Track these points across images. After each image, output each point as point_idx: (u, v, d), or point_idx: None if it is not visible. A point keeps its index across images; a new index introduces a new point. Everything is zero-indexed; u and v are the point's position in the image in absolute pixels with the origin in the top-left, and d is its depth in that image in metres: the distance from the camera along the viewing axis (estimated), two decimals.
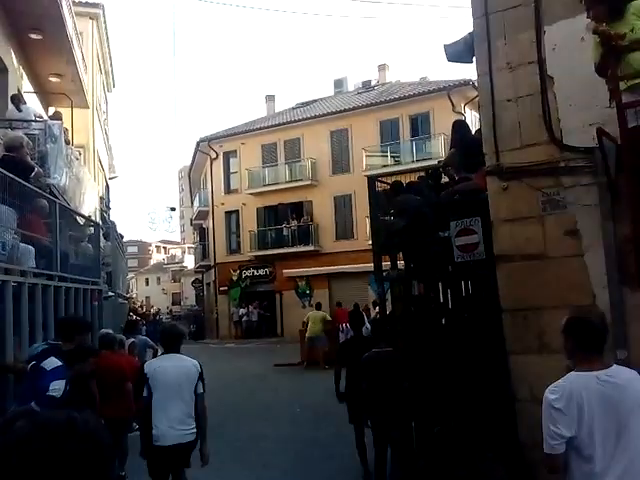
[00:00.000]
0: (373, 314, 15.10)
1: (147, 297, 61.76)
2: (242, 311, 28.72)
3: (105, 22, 19.67)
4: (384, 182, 7.05)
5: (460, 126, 7.14)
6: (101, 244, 10.74)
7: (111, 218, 20.51)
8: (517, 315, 4.72)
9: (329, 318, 16.87)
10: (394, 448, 5.33)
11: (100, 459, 0.98)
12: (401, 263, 7.02)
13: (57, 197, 9.40)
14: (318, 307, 17.76)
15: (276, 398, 11.50)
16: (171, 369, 4.63)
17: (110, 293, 11.03)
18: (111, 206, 23.80)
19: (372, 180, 6.51)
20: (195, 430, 4.66)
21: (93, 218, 13.24)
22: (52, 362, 4.67)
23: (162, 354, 5.08)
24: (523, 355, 4.65)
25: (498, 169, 4.91)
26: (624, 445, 2.48)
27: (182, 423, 4.57)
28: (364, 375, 5.35)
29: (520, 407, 4.57)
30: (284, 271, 27.67)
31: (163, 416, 4.51)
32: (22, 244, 6.16)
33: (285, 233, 28.47)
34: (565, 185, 4.59)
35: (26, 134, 9.96)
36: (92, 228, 10.03)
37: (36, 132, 10.72)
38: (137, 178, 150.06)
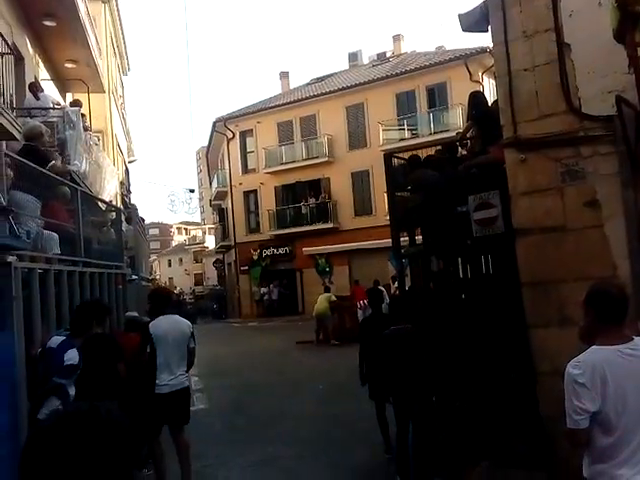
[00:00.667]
0: (393, 290, 15.19)
1: (170, 278, 62.63)
2: (263, 290, 29.00)
3: (117, 4, 19.63)
4: (401, 158, 6.99)
5: (476, 98, 7.02)
6: (123, 228, 10.89)
7: (132, 202, 20.75)
8: (537, 288, 4.70)
9: (334, 298, 17.38)
10: (416, 422, 5.39)
11: (123, 446, 1.05)
12: (419, 239, 7.01)
13: (78, 183, 9.54)
14: (327, 290, 18.20)
15: (298, 375, 11.66)
16: (171, 330, 5.56)
17: (134, 276, 11.20)
18: (131, 190, 24.05)
19: (389, 156, 6.47)
20: (187, 375, 5.80)
21: (114, 203, 13.42)
22: (55, 340, 4.92)
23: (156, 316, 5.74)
24: (544, 328, 4.64)
25: (516, 141, 4.84)
26: None
27: (179, 372, 5.55)
28: (385, 352, 5.40)
29: (541, 380, 4.57)
30: (304, 249, 27.78)
31: (165, 369, 5.46)
32: (46, 231, 6.29)
33: (304, 211, 28.52)
34: (584, 155, 4.51)
35: (45, 122, 10.07)
36: (114, 213, 10.17)
37: (55, 119, 10.82)
38: (156, 161, 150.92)
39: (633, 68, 3.62)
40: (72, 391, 5.00)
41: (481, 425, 5.85)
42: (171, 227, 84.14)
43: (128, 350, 5.68)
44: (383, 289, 16.33)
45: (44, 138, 7.33)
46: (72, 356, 4.92)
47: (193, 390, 11.07)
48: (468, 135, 7.03)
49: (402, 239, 6.68)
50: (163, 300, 5.95)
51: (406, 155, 7.50)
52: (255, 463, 6.41)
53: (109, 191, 13.56)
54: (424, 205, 6.28)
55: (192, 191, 44.91)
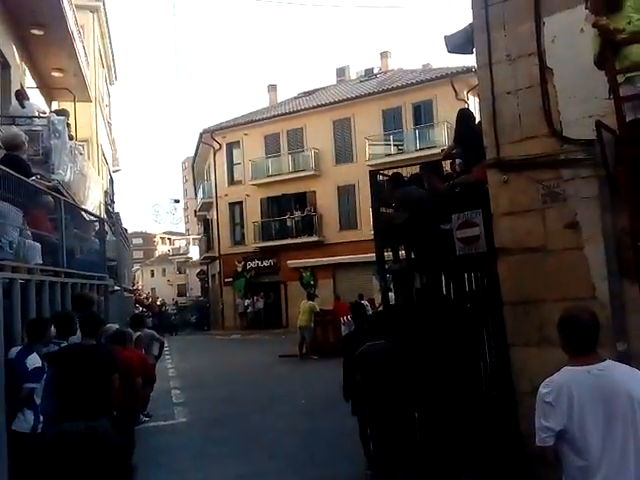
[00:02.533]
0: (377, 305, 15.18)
1: (153, 288, 62.02)
2: (247, 302, 28.88)
3: (106, 15, 19.63)
4: (386, 175, 7.06)
5: (464, 116, 7.07)
6: (106, 239, 10.81)
7: (116, 211, 20.61)
8: (518, 308, 4.76)
9: (317, 309, 16.99)
10: (392, 439, 5.39)
11: (118, 464, 1.08)
12: (403, 254, 7.06)
13: (62, 193, 9.47)
14: (310, 297, 17.81)
15: (282, 389, 11.61)
16: None
17: (116, 287, 11.11)
18: (115, 199, 23.90)
19: (374, 174, 6.53)
20: None
21: (98, 212, 13.32)
22: (12, 351, 4.91)
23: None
24: (524, 347, 4.70)
25: (498, 162, 4.93)
26: (615, 436, 2.53)
27: None
28: (358, 369, 5.43)
29: (520, 399, 4.62)
30: (288, 262, 27.76)
31: None
32: (28, 241, 6.23)
33: (289, 224, 28.53)
34: (565, 178, 4.60)
35: (29, 130, 10.00)
36: (97, 223, 10.10)
37: (40, 128, 10.75)
38: (141, 170, 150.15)
39: (613, 94, 3.71)
40: (38, 397, 4.94)
41: (462, 441, 5.87)
42: (155, 237, 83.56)
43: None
44: (367, 303, 16.37)
45: (25, 147, 7.28)
46: (34, 360, 4.91)
47: (174, 403, 11.00)
48: (452, 153, 7.12)
49: (386, 255, 6.73)
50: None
51: (392, 172, 7.58)
52: (236, 477, 6.36)
53: (93, 200, 13.47)
54: (408, 222, 6.34)
55: (177, 201, 44.70)
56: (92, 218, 10.28)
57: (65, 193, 10.37)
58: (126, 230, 18.40)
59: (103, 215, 13.74)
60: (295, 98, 33.38)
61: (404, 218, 6.35)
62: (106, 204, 18.67)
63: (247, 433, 8.19)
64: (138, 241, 76.06)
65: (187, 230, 79.34)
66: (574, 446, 2.56)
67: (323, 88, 33.11)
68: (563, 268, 4.56)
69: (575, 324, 2.67)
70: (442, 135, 24.00)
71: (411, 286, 6.28)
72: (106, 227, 11.03)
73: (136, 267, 59.97)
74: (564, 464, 2.63)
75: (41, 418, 4.90)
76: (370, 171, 6.58)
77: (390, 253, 6.97)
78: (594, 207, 4.41)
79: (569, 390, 2.56)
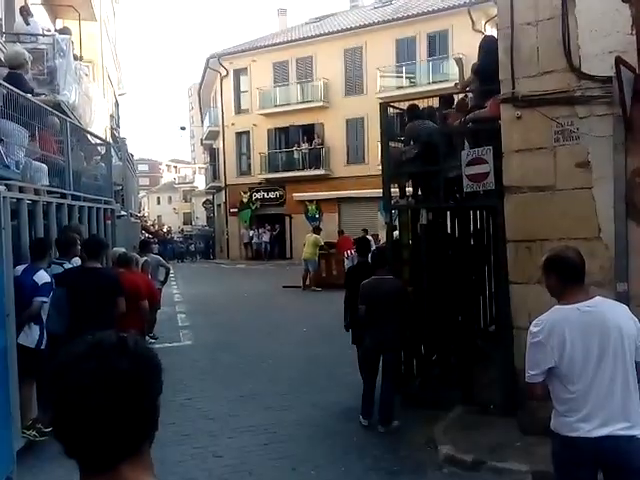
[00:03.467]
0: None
1: (159, 216, 62.36)
2: (252, 232, 29.03)
3: None
4: (397, 107, 6.91)
5: (489, 44, 6.62)
6: (112, 163, 10.76)
7: (122, 136, 20.41)
8: (521, 246, 4.78)
9: (321, 242, 17.02)
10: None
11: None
12: (410, 190, 7.03)
13: (67, 114, 9.35)
14: (316, 230, 17.75)
15: (284, 318, 11.88)
16: None
17: (122, 212, 11.17)
18: (121, 124, 23.61)
19: (384, 106, 6.39)
20: None
21: (104, 136, 13.20)
22: (17, 269, 5.06)
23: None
24: (524, 285, 4.75)
25: (513, 97, 4.81)
26: (604, 370, 2.60)
27: None
28: (363, 299, 5.50)
29: (517, 334, 4.72)
30: (294, 194, 27.69)
31: None
32: (35, 162, 6.22)
33: (296, 156, 28.22)
34: (580, 115, 4.50)
35: (34, 49, 9.74)
36: (103, 147, 10.02)
37: (44, 47, 10.47)
38: (148, 96, 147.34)
39: (635, 29, 3.57)
40: (44, 313, 5.11)
41: (460, 373, 6.08)
42: (160, 164, 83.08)
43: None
44: (371, 238, 16.43)
45: (28, 66, 7.11)
46: (43, 275, 5.07)
47: (180, 327, 11.32)
48: (469, 88, 6.92)
49: (393, 190, 6.71)
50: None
51: (402, 104, 7.42)
52: (237, 398, 6.63)
53: (99, 124, 13.31)
54: (417, 158, 6.27)
55: (183, 129, 44.04)
56: (98, 141, 10.19)
57: (71, 115, 10.25)
58: (132, 155, 18.27)
59: (109, 139, 13.62)
60: (306, 24, 32.16)
61: (413, 154, 6.27)
62: (112, 128, 18.47)
63: (249, 357, 8.45)
64: (144, 168, 75.71)
65: (193, 159, 78.75)
66: (564, 381, 2.65)
67: (335, 14, 31.84)
68: (570, 208, 4.55)
69: (563, 262, 2.70)
70: (456, 68, 23.21)
71: (416, 222, 6.28)
72: (112, 151, 10.95)
73: (142, 194, 60.04)
74: (553, 397, 2.72)
75: (45, 334, 5.08)
76: (381, 103, 6.44)
77: (397, 189, 6.95)
78: (607, 147, 4.34)
79: (560, 328, 2.62)
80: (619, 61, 3.87)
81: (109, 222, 8.48)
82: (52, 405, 1.02)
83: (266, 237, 28.84)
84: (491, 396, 5.72)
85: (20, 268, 5.16)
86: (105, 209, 8.45)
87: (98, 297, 5.18)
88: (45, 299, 5.02)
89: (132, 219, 13.64)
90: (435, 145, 5.92)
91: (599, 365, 2.60)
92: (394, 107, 6.78)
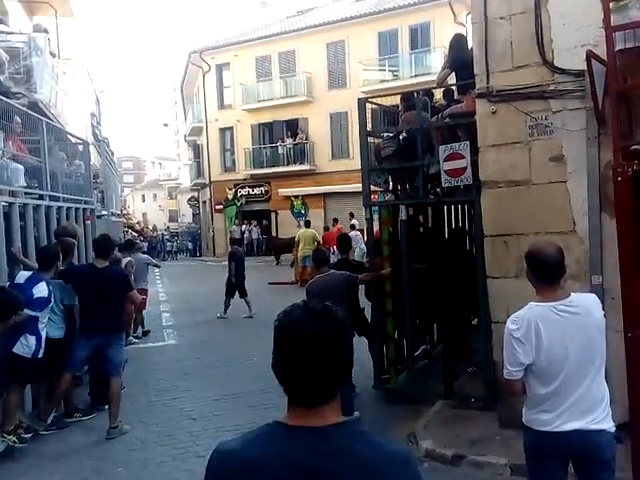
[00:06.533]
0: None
1: (144, 214, 61.91)
2: (244, 227, 28.88)
3: None
4: (375, 103, 6.90)
5: (458, 42, 6.83)
6: (92, 162, 10.65)
7: (103, 134, 20.21)
8: (498, 240, 4.81)
9: (318, 238, 16.85)
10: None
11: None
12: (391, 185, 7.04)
13: (45, 113, 9.23)
14: (307, 225, 17.65)
15: (269, 314, 11.80)
16: None
17: (103, 212, 11.07)
18: (103, 122, 23.36)
19: (363, 101, 6.37)
20: None
21: (84, 135, 13.05)
22: (22, 275, 5.06)
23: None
24: (502, 279, 4.78)
25: (488, 92, 4.82)
26: (579, 367, 2.63)
27: None
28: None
29: (496, 329, 4.75)
30: (279, 190, 27.62)
31: None
32: (12, 162, 6.14)
33: (280, 151, 28.12)
34: (554, 109, 4.53)
35: (9, 47, 9.60)
36: (81, 146, 9.90)
37: (20, 45, 10.32)
38: (130, 91, 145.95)
39: (605, 22, 3.59)
40: (43, 324, 5.11)
41: (442, 368, 6.11)
42: (145, 161, 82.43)
43: None
44: (357, 233, 16.41)
45: (5, 66, 7.00)
46: (41, 289, 5.02)
47: (164, 326, 11.26)
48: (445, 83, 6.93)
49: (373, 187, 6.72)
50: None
51: (382, 100, 7.42)
52: (221, 397, 6.61)
53: (78, 122, 13.16)
54: (396, 154, 6.28)
55: (166, 125, 43.55)
56: (76, 140, 10.07)
57: (49, 114, 10.11)
58: (113, 154, 18.10)
59: (90, 138, 13.48)
60: (287, 18, 31.99)
61: (391, 151, 6.28)
62: (93, 126, 18.26)
63: (234, 356, 8.43)
64: (128, 165, 75.10)
65: (178, 155, 78.20)
66: (538, 377, 2.67)
67: (317, 8, 31.70)
68: (545, 202, 4.58)
69: (541, 258, 2.70)
70: (438, 61, 23.23)
71: (396, 218, 6.28)
72: (92, 150, 10.84)
73: (127, 192, 59.56)
74: (527, 391, 2.74)
75: (42, 344, 5.07)
76: (359, 99, 6.41)
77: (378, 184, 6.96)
78: (580, 140, 4.37)
79: (536, 325, 2.63)
80: (590, 55, 3.89)
81: (89, 222, 8.39)
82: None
83: (255, 234, 28.75)
84: (473, 390, 5.77)
85: (24, 276, 5.12)
86: (84, 209, 8.37)
87: (107, 296, 5.41)
88: (35, 313, 4.99)
89: (113, 218, 13.53)
90: (414, 140, 5.92)
91: (574, 363, 2.62)
92: (373, 103, 6.77)
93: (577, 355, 2.62)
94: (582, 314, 2.65)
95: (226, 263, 12.20)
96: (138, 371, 7.59)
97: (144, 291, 10.04)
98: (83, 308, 5.59)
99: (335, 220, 20.33)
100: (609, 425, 2.67)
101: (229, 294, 11.76)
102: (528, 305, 2.71)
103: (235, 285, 11.72)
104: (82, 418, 5.86)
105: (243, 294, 11.72)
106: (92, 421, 5.84)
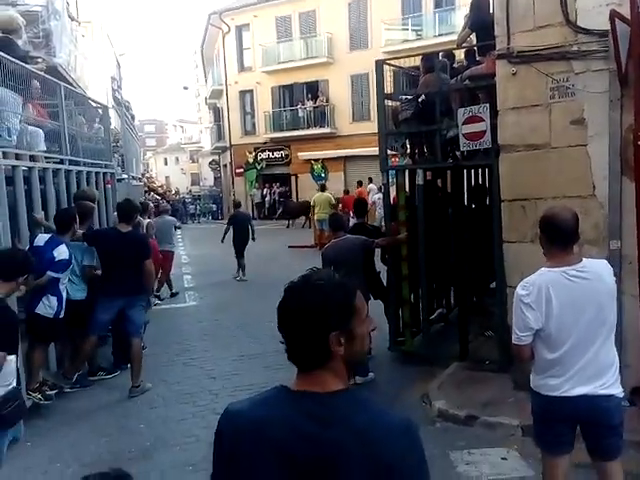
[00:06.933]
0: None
1: (167, 177, 62.26)
2: (265, 191, 28.91)
3: None
4: (393, 65, 6.76)
5: (479, 1, 6.65)
6: (112, 126, 10.70)
7: (124, 98, 20.21)
8: (515, 205, 4.76)
9: (334, 201, 16.81)
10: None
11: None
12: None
13: (64, 77, 9.25)
14: (323, 189, 17.57)
15: (287, 277, 11.91)
16: None
17: (124, 175, 11.17)
18: (124, 85, 23.33)
19: (380, 63, 6.26)
20: None
21: (104, 98, 13.08)
22: (41, 238, 5.18)
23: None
24: (517, 244, 4.75)
25: (508, 53, 4.70)
26: (588, 333, 2.63)
27: None
28: (326, 265, 5.41)
29: (510, 293, 4.74)
30: (300, 154, 27.46)
31: None
32: (31, 127, 6.19)
33: (301, 114, 27.83)
34: (576, 71, 4.40)
35: (27, 11, 9.58)
36: (100, 110, 9.93)
37: (38, 9, 10.29)
38: (151, 54, 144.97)
39: None
40: (63, 285, 5.25)
41: (459, 327, 6.15)
42: (167, 124, 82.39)
43: None
44: (381, 196, 16.25)
45: (22, 31, 6.99)
46: (62, 251, 5.15)
47: (185, 288, 11.47)
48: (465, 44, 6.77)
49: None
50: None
51: (404, 61, 7.29)
52: (239, 357, 6.77)
53: (98, 86, 13.18)
54: (414, 117, 6.19)
55: (186, 88, 43.31)
56: (96, 104, 10.11)
57: (68, 78, 10.13)
58: (134, 118, 18.13)
59: (110, 101, 13.50)
60: None
61: (409, 114, 6.19)
62: (113, 90, 18.28)
63: (253, 317, 8.56)
64: (150, 129, 75.18)
65: (199, 118, 77.96)
66: (547, 343, 2.68)
67: None
68: (565, 166, 4.50)
69: (556, 223, 2.68)
70: (463, 20, 22.58)
71: (413, 182, 6.24)
72: (112, 114, 10.87)
73: (149, 155, 59.76)
74: (535, 356, 2.76)
75: (64, 305, 5.23)
76: (376, 61, 6.29)
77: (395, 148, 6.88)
78: (602, 103, 4.25)
79: (547, 292, 2.62)
80: (614, 14, 3.75)
81: (109, 186, 8.49)
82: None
83: (277, 196, 28.72)
84: (487, 352, 5.82)
85: (43, 238, 5.26)
86: (105, 173, 8.45)
87: (130, 259, 5.55)
88: (57, 275, 5.13)
89: (134, 182, 13.64)
90: (432, 103, 5.83)
91: (583, 329, 2.62)
92: (391, 65, 6.64)
93: (587, 321, 2.62)
94: (593, 279, 2.64)
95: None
96: (160, 332, 7.79)
97: (170, 253, 10.23)
98: (105, 271, 5.70)
99: (359, 183, 20.17)
100: (618, 390, 2.68)
101: (238, 255, 12.03)
102: (539, 271, 2.70)
103: (234, 245, 11.98)
104: (105, 377, 6.07)
105: (239, 256, 12.00)
106: (115, 380, 6.05)
